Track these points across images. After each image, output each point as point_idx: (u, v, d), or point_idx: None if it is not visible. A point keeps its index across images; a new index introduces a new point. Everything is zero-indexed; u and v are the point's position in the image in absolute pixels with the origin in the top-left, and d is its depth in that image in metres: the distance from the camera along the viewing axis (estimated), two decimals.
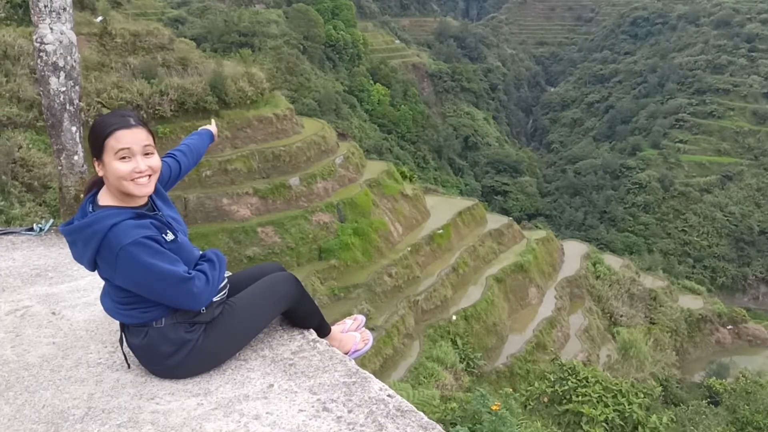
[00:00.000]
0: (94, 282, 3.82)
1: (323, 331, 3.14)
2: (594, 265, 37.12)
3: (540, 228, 46.25)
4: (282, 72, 55.97)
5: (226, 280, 2.84)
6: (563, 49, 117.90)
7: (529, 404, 8.07)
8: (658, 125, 79.12)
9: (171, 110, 24.79)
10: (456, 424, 4.37)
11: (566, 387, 8.10)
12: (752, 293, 62.67)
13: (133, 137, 2.59)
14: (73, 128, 4.88)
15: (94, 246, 2.42)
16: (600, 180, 74.89)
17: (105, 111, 23.28)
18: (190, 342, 2.62)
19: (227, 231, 23.62)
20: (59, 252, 4.56)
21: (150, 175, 2.62)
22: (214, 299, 2.70)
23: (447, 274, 27.86)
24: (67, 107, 4.77)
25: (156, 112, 24.40)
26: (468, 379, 23.30)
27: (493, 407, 4.32)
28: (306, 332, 3.11)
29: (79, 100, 4.75)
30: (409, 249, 27.85)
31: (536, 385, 8.35)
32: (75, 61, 4.79)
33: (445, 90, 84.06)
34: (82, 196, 4.95)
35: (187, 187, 24.28)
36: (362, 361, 21.49)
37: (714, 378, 24.03)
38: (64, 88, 4.72)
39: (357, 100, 66.19)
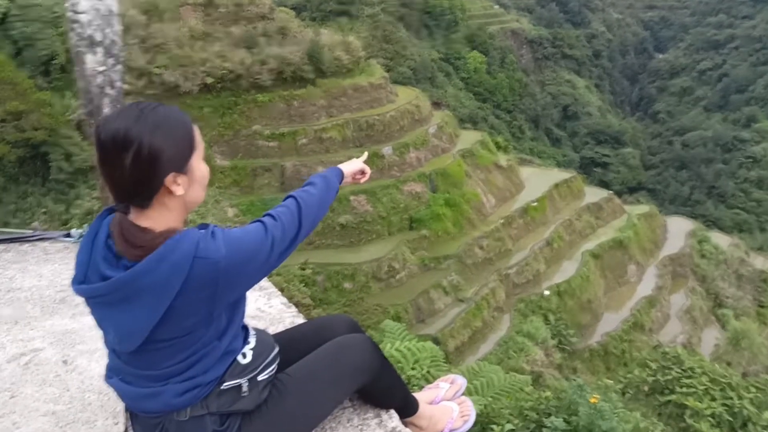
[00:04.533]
0: None
1: (409, 409, 2.35)
2: (700, 243, 35.19)
3: (642, 203, 44.34)
4: (378, 40, 55.74)
5: (276, 350, 2.01)
6: (674, 13, 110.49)
7: (628, 392, 7.74)
8: None
9: (270, 79, 25.35)
10: (550, 415, 4.19)
11: (669, 377, 7.68)
12: None
13: None
14: None
15: (175, 288, 1.64)
16: (710, 153, 70.52)
17: (209, 80, 24.12)
18: None
19: None
20: None
21: None
22: (259, 378, 1.92)
23: (540, 248, 27.25)
24: (107, 90, 3.94)
25: (256, 81, 25.04)
26: (559, 356, 22.85)
27: (592, 400, 4.11)
28: (384, 414, 2.31)
29: (122, 82, 4.02)
30: (501, 221, 27.39)
31: (636, 372, 7.99)
32: (115, 34, 3.98)
33: (544, 57, 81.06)
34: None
35: (284, 155, 24.86)
36: (450, 332, 21.47)
37: None
38: (102, 67, 3.90)
39: (453, 68, 65.08)
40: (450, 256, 24.68)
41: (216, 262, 1.66)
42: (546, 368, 20.67)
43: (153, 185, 1.68)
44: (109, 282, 1.68)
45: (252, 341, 1.94)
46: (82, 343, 2.96)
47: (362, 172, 2.46)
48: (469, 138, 32.30)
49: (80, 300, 1.85)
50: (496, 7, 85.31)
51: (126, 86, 4.30)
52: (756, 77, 78.89)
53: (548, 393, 4.38)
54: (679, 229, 36.16)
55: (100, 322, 1.81)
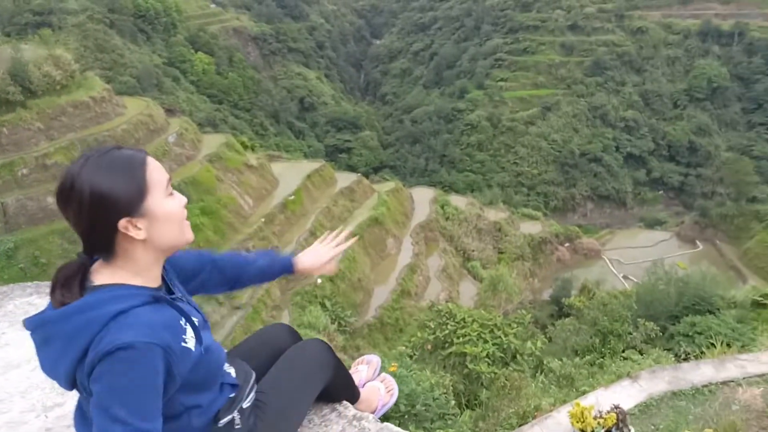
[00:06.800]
0: (10, 383, 2.62)
1: (355, 397, 2.50)
2: (442, 207, 38.65)
3: (388, 179, 47.24)
4: (91, 50, 51.43)
5: (254, 375, 2.08)
6: (382, 0, 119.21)
7: (415, 354, 8.18)
8: (480, 66, 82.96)
9: None
10: None
11: (446, 331, 8.30)
12: (581, 211, 69.01)
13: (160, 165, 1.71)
14: None
15: (82, 345, 1.49)
16: (435, 125, 77.63)
17: None
18: None
19: (58, 232, 21.41)
20: None
21: None
22: (244, 405, 1.96)
23: (305, 239, 27.53)
24: None
25: None
26: (342, 338, 23.44)
27: (392, 368, 4.18)
28: (339, 406, 2.40)
29: None
30: (263, 220, 27.14)
31: (418, 334, 8.49)
32: None
33: (272, 52, 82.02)
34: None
35: (3, 190, 21.64)
36: (232, 342, 20.79)
37: (567, 295, 25.99)
38: None
39: (179, 71, 62.74)
40: None
41: (106, 342, 1.48)
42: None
43: (105, 233, 1.58)
44: (32, 318, 1.59)
45: (233, 374, 1.99)
46: None
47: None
48: (212, 142, 31.30)
49: None
50: (213, 6, 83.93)
51: None
52: (461, 53, 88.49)
53: None
54: (423, 198, 39.27)
55: None
